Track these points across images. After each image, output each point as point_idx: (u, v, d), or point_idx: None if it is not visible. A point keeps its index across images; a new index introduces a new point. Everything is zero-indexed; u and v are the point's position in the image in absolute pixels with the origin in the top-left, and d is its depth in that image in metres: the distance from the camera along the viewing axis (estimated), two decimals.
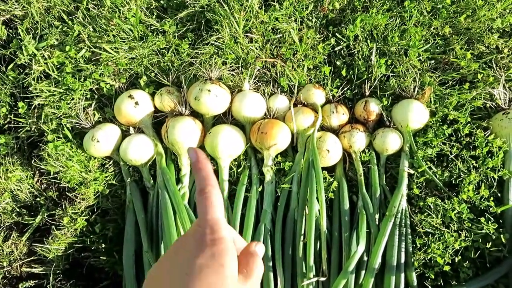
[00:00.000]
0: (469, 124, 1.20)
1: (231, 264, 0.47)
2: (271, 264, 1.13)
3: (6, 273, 1.28)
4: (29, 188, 1.32)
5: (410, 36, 1.29)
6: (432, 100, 1.24)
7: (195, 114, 1.27)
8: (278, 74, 1.30)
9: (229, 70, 1.29)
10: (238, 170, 1.23)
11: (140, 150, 1.22)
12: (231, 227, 0.56)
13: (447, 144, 1.21)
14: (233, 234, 0.56)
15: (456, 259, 1.12)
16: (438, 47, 1.31)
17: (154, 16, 1.35)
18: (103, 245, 1.24)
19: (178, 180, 1.21)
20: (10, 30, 1.42)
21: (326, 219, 1.15)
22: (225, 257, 0.47)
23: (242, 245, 0.56)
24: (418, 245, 1.14)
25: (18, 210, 1.32)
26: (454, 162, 1.19)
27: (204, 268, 0.46)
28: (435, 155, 1.21)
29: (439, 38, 1.32)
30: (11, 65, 1.36)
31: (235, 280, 0.47)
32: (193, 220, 1.13)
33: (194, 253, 0.48)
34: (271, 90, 1.29)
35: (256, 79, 1.29)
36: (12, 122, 1.35)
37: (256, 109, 1.24)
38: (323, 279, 1.09)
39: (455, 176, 1.19)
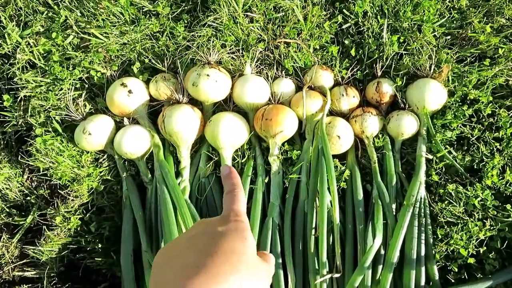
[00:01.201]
0: (491, 104, 1.12)
1: (252, 241, 0.50)
2: (280, 260, 1.04)
3: None
4: (18, 187, 1.23)
5: (424, 10, 1.20)
6: (450, 78, 1.15)
7: (193, 102, 1.18)
8: (282, 56, 1.20)
9: (228, 53, 1.19)
10: (242, 161, 1.15)
11: (135, 142, 1.13)
12: None
13: (468, 126, 1.12)
14: None
15: (481, 250, 1.04)
16: (455, 21, 1.22)
17: None
18: (100, 245, 1.16)
19: (178, 174, 1.12)
20: None
21: (339, 210, 1.06)
22: (247, 233, 0.50)
23: None
24: (439, 236, 1.06)
25: (7, 210, 1.23)
26: (476, 145, 1.11)
27: (228, 234, 0.49)
28: (455, 138, 1.13)
29: (455, 11, 1.22)
30: None
31: (255, 253, 0.50)
32: (195, 215, 1.05)
33: (217, 224, 0.51)
34: (275, 73, 1.19)
35: (259, 62, 1.20)
36: None
37: (259, 94, 1.14)
38: (337, 275, 1.01)
39: (477, 161, 1.10)
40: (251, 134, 1.15)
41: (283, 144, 1.14)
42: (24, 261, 1.20)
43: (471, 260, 1.03)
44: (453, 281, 1.05)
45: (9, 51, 1.24)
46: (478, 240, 1.04)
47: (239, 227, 0.50)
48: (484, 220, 1.05)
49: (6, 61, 1.26)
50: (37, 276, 1.18)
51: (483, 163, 1.09)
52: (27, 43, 1.22)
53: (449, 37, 1.21)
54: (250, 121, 1.17)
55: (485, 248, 1.04)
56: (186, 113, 1.11)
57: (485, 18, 1.21)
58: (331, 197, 1.03)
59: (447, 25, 1.21)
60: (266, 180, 1.12)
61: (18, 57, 1.21)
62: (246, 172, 1.12)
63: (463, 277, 1.06)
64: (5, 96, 1.22)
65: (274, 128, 1.10)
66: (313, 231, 1.06)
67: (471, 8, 1.22)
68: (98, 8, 1.22)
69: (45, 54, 1.22)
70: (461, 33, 1.20)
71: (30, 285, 1.18)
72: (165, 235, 1.02)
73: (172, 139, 1.12)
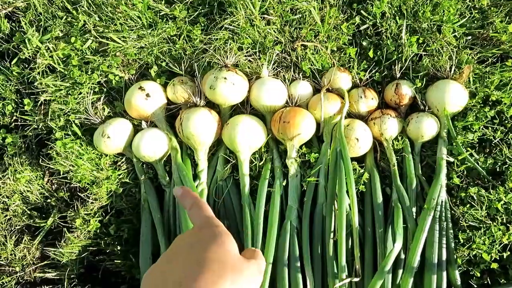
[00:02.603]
0: None
1: (231, 243, 0.50)
2: (299, 264, 1.04)
3: (19, 278, 1.22)
4: (39, 189, 1.25)
5: (444, 10, 1.17)
6: (471, 80, 1.13)
7: (211, 105, 1.18)
8: (299, 58, 1.19)
9: (245, 56, 1.19)
10: (260, 164, 1.14)
11: (153, 145, 1.14)
12: None
13: (490, 128, 1.10)
14: None
15: (505, 255, 1.02)
16: (475, 21, 1.19)
17: (163, 1, 1.26)
18: (119, 247, 1.17)
19: (196, 176, 1.13)
20: (13, 24, 1.35)
21: (358, 214, 1.05)
22: (225, 236, 0.51)
23: None
24: (461, 241, 1.04)
25: (29, 212, 1.25)
26: (499, 148, 1.08)
27: (205, 244, 0.49)
28: (477, 140, 1.10)
29: (476, 11, 1.20)
30: (15, 59, 1.28)
31: (237, 254, 0.50)
32: None
33: (194, 237, 0.51)
34: (292, 75, 1.19)
35: (275, 64, 1.19)
36: (19, 120, 1.28)
37: (277, 96, 1.14)
38: (356, 279, 1.00)
39: (500, 163, 1.08)
40: (268, 137, 1.15)
41: (300, 147, 1.14)
42: (45, 262, 1.22)
43: (494, 265, 1.01)
44: (475, 286, 1.03)
45: (29, 56, 1.26)
46: (502, 244, 1.02)
47: (215, 233, 0.51)
48: (507, 224, 1.03)
49: (27, 66, 1.28)
50: (58, 277, 1.20)
51: (506, 165, 1.07)
52: (46, 48, 1.24)
53: (470, 37, 1.18)
54: (268, 123, 1.16)
55: (508, 253, 1.02)
56: (204, 116, 1.11)
57: (507, 17, 1.18)
58: (350, 201, 1.02)
59: (467, 25, 1.18)
60: (284, 183, 1.11)
61: (38, 61, 1.23)
62: (263, 175, 1.12)
63: (486, 282, 1.04)
64: (26, 100, 1.24)
65: (292, 130, 1.09)
66: (332, 234, 1.05)
67: (492, 8, 1.19)
68: (116, 13, 1.23)
69: (64, 59, 1.24)
70: (482, 33, 1.18)
71: (50, 286, 1.20)
72: None
73: (190, 142, 1.13)
